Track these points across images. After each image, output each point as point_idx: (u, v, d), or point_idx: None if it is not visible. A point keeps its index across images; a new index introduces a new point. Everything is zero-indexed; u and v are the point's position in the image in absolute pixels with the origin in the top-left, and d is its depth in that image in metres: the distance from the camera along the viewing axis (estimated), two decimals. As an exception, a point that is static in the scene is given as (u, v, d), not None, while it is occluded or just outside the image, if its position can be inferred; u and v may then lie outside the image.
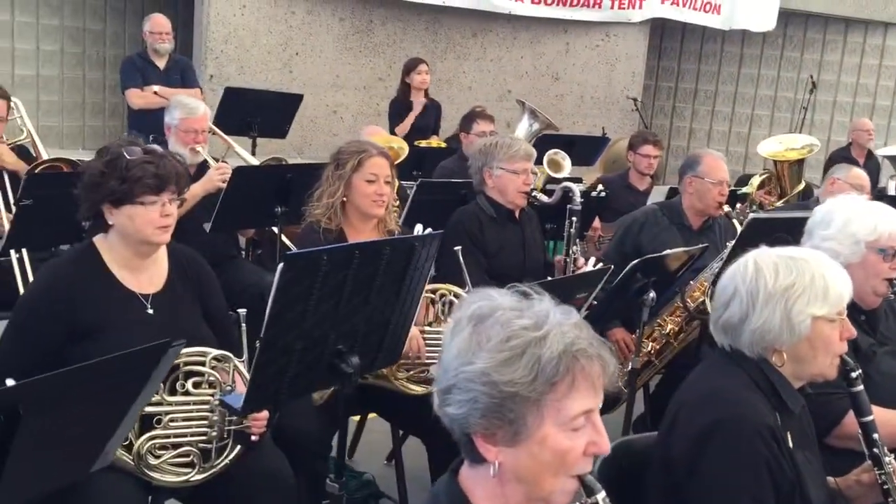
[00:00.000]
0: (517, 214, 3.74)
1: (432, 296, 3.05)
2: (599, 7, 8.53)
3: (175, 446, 2.36)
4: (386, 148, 4.95)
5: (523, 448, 1.28)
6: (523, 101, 6.09)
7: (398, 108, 6.72)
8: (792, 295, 1.89)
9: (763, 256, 1.97)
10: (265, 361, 1.93)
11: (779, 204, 5.68)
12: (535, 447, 1.27)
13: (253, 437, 2.47)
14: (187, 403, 2.39)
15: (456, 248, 3.12)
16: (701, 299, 3.82)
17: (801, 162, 5.80)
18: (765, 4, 8.86)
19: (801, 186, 5.73)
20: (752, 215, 3.40)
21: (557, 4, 8.42)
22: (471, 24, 8.52)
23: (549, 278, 2.68)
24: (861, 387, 2.10)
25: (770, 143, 6.01)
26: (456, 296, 3.04)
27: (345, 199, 3.09)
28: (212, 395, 2.40)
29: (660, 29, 9.33)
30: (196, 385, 2.42)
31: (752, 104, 10.03)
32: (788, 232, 3.62)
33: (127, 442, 2.29)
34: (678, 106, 10.08)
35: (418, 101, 6.71)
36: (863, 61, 9.93)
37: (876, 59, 9.92)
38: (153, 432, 2.34)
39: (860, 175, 4.70)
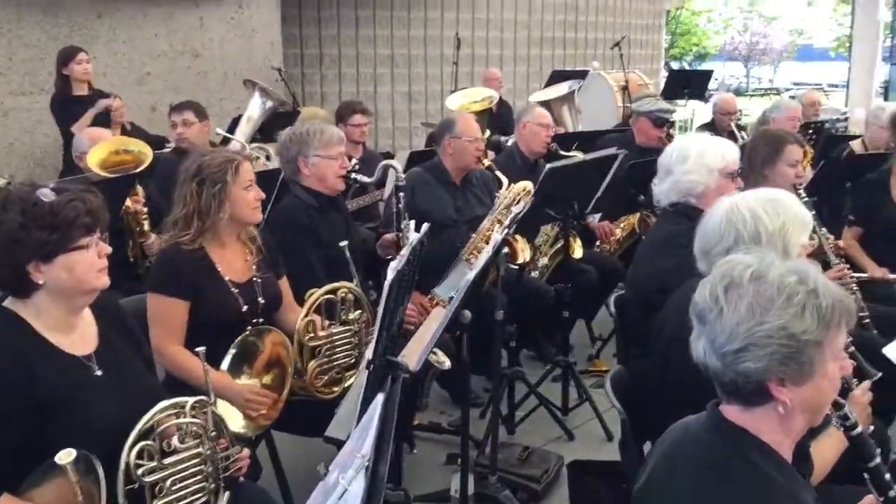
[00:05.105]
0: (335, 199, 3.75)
1: (332, 296, 3.00)
2: (229, -22, 8.35)
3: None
4: (122, 151, 4.55)
5: (809, 384, 1.51)
6: (254, 82, 5.89)
7: (64, 105, 6.02)
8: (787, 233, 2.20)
9: (746, 202, 2.26)
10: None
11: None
12: (819, 381, 1.51)
13: (240, 479, 2.35)
14: (182, 462, 2.15)
15: (342, 243, 3.13)
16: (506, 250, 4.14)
17: (482, 113, 6.43)
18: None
19: (487, 135, 6.35)
20: (548, 165, 3.79)
21: (184, -23, 8.07)
22: (95, 4, 7.79)
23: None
24: None
25: (456, 98, 6.55)
26: (351, 293, 3.03)
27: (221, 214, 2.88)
28: (198, 446, 2.20)
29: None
30: (180, 440, 2.19)
31: (373, 64, 10.62)
32: (583, 173, 4.14)
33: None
34: (307, 72, 10.30)
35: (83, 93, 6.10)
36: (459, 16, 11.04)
37: (468, 13, 11.09)
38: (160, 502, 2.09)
39: (544, 114, 5.40)
